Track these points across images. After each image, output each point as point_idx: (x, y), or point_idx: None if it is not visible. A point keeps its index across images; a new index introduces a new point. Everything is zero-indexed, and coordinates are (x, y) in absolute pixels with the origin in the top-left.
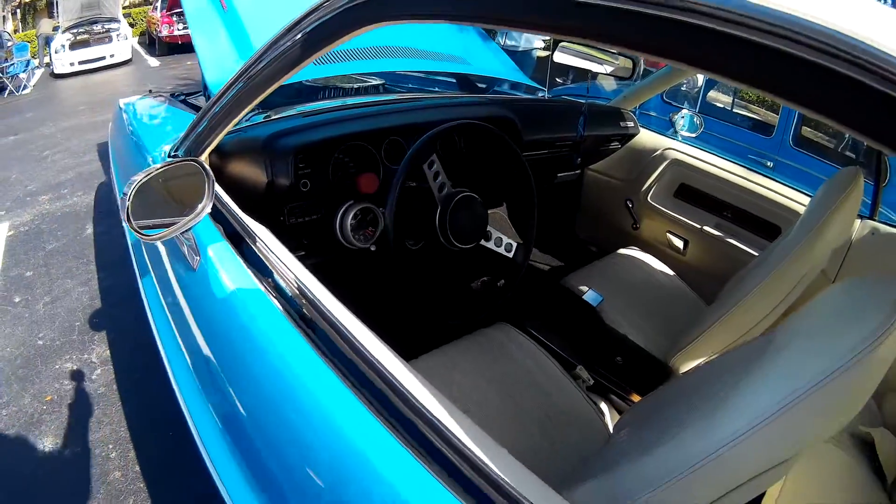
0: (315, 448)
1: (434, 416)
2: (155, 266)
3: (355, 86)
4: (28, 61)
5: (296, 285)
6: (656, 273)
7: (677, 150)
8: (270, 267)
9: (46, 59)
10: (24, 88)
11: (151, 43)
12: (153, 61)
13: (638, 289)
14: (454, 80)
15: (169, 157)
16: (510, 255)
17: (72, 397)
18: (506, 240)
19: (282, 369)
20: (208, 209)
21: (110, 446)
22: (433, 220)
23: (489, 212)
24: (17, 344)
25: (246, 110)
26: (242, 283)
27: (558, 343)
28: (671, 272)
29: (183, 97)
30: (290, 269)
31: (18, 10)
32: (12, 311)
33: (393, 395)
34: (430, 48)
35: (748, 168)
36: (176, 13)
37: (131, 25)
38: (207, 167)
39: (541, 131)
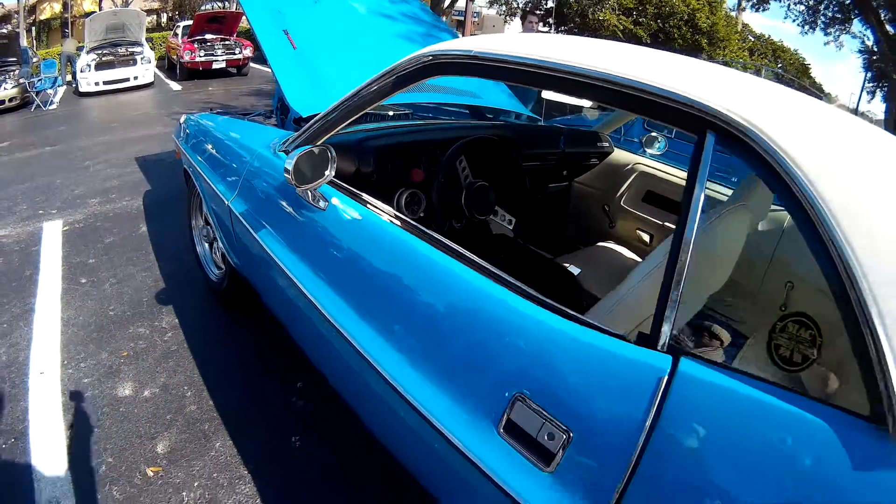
0: (428, 295)
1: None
2: (269, 211)
3: (391, 112)
4: (56, 78)
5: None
6: (626, 258)
7: (644, 164)
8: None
9: (68, 77)
10: (50, 104)
11: (171, 68)
12: (175, 85)
13: (610, 267)
14: (468, 111)
15: (280, 150)
16: (510, 227)
17: (146, 353)
18: (507, 216)
19: (396, 252)
20: (333, 174)
21: (185, 388)
22: (460, 199)
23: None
24: (89, 314)
25: (350, 121)
26: (357, 212)
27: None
28: (638, 258)
29: (245, 114)
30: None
31: (33, 28)
32: (80, 290)
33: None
34: (452, 86)
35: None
36: (197, 40)
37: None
38: (330, 150)
39: (533, 147)
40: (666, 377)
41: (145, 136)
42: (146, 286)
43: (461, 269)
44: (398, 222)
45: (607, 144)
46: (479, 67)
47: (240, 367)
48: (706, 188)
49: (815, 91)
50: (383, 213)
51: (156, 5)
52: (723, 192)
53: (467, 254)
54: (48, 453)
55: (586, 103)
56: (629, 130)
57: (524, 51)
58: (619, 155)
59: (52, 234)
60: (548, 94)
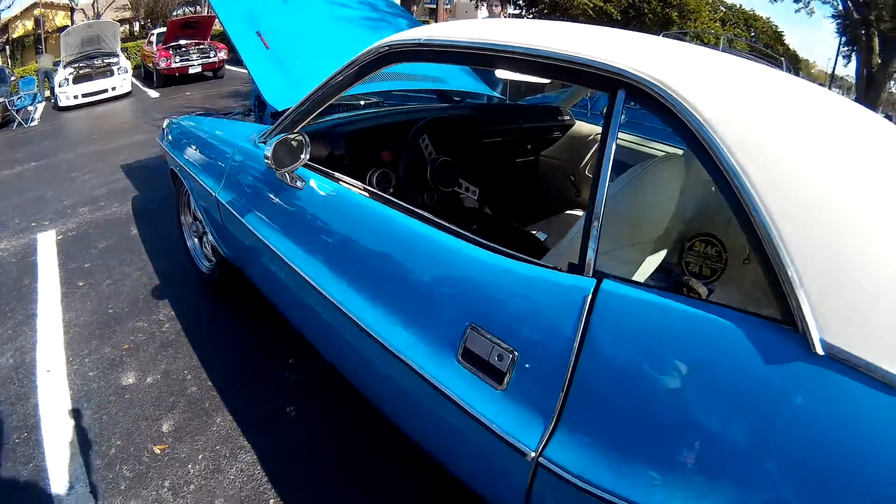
0: (395, 252)
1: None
2: (253, 196)
3: (362, 102)
4: (35, 95)
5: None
6: None
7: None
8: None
9: (47, 93)
10: (31, 121)
11: (147, 76)
12: (153, 93)
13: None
14: (435, 96)
15: (260, 142)
16: (475, 197)
17: (146, 344)
18: (471, 187)
19: (366, 218)
20: (308, 157)
21: (185, 372)
22: (426, 174)
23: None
24: (89, 313)
25: (319, 111)
26: (331, 189)
27: None
28: None
29: (225, 114)
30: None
31: (7, 47)
32: (79, 292)
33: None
34: (419, 72)
35: (656, 140)
36: (172, 47)
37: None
38: (304, 135)
39: (495, 124)
40: (590, 295)
41: (128, 144)
42: (141, 284)
43: (422, 226)
44: (367, 194)
45: (568, 118)
46: (429, 53)
47: (234, 349)
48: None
49: (775, 57)
50: (354, 187)
51: (128, 14)
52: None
53: (427, 214)
54: (60, 442)
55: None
56: (595, 105)
57: (465, 35)
58: (582, 127)
59: (47, 243)
60: (502, 74)
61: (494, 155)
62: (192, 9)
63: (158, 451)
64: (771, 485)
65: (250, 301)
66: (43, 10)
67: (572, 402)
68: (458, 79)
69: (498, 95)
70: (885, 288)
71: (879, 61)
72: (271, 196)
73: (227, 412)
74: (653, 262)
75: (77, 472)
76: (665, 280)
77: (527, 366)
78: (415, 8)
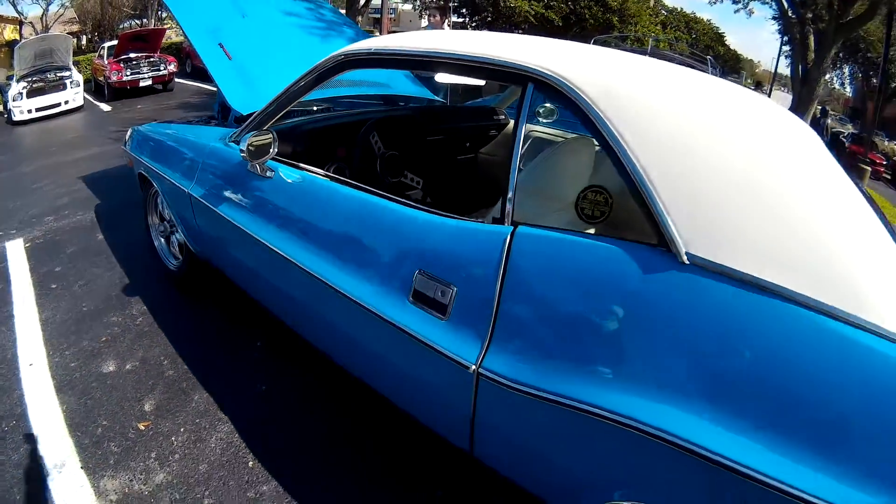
0: (351, 219)
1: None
2: (225, 188)
3: (315, 108)
4: None
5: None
6: None
7: (538, 131)
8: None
9: (0, 108)
10: None
11: (98, 90)
12: (104, 106)
13: None
14: (381, 101)
15: (230, 142)
16: (419, 187)
17: (123, 336)
18: (415, 178)
19: (327, 197)
20: (276, 150)
21: (162, 358)
22: (375, 166)
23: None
24: (65, 312)
25: (283, 112)
26: (295, 175)
27: None
28: None
29: (194, 121)
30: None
31: None
32: (53, 294)
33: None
34: (368, 79)
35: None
36: (122, 60)
37: None
38: (273, 132)
39: (436, 124)
40: (508, 238)
41: (85, 156)
42: (112, 283)
43: (375, 199)
44: (326, 177)
45: (503, 117)
46: (379, 61)
47: (205, 336)
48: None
49: (703, 58)
50: (315, 173)
51: (76, 28)
52: None
53: (374, 189)
54: (48, 427)
55: (472, 82)
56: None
57: (408, 45)
58: (558, 135)
59: (16, 251)
60: (441, 77)
61: (436, 152)
62: (138, 21)
63: (143, 428)
64: (653, 366)
65: (216, 294)
66: None
67: (500, 322)
68: (403, 85)
69: (439, 99)
70: (729, 212)
71: (814, 57)
72: (243, 186)
73: (203, 391)
74: (559, 213)
75: (67, 452)
76: (566, 224)
77: (464, 297)
78: (360, 18)
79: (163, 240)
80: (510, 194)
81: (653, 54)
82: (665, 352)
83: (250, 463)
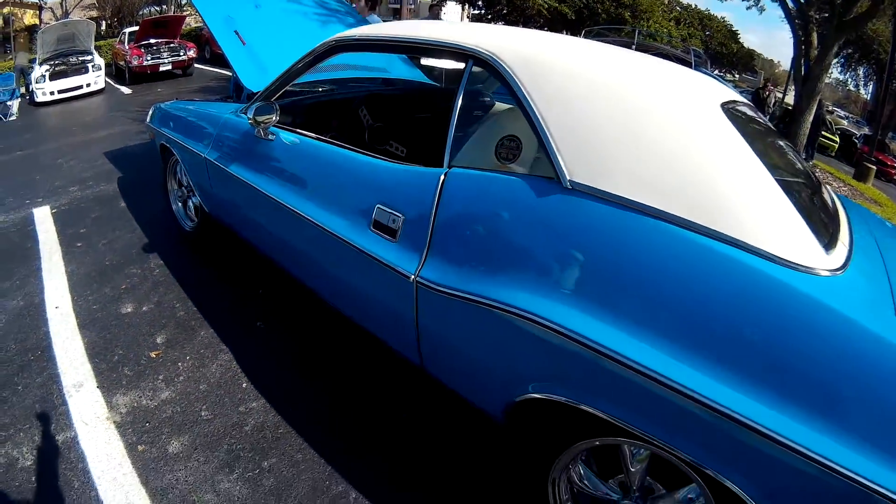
0: (334, 170)
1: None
2: (235, 152)
3: (319, 88)
4: (15, 90)
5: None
6: None
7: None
8: (299, 132)
9: (22, 90)
10: (10, 116)
11: (118, 73)
12: (125, 89)
13: None
14: (380, 83)
15: (242, 112)
16: (403, 155)
17: (141, 285)
18: (400, 146)
19: (317, 154)
20: (277, 116)
21: (174, 302)
22: (364, 135)
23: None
24: (89, 265)
25: (285, 88)
26: (293, 138)
27: None
28: None
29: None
30: (306, 133)
31: None
32: (78, 251)
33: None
34: (370, 64)
35: None
36: (143, 45)
37: None
38: (275, 104)
39: (423, 102)
40: (443, 176)
41: (107, 135)
42: (133, 242)
43: (352, 153)
44: (316, 139)
45: (488, 99)
46: (360, 45)
47: (214, 285)
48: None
49: (687, 51)
50: (308, 135)
51: (95, 13)
52: None
53: (351, 146)
54: (70, 356)
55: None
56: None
57: (382, 33)
58: (500, 107)
59: (43, 216)
60: (427, 61)
61: (422, 126)
62: (158, 8)
63: (154, 356)
64: (547, 271)
65: (225, 252)
66: (12, 8)
67: (434, 240)
68: (399, 69)
69: (431, 82)
70: (608, 150)
71: (816, 55)
72: (250, 149)
73: (209, 328)
74: (489, 159)
75: (85, 375)
76: (487, 165)
77: (409, 223)
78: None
79: (180, 204)
80: (448, 146)
81: (639, 46)
82: (556, 259)
83: (244, 384)
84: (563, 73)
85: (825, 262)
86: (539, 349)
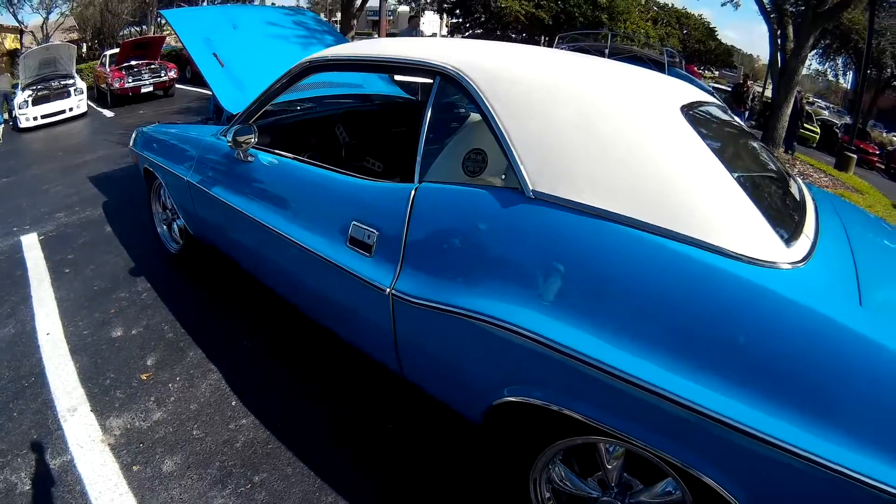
0: (308, 187)
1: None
2: (216, 174)
3: (298, 107)
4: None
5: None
6: None
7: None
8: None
9: (5, 116)
10: None
11: (101, 96)
12: (107, 112)
13: None
14: (358, 99)
15: (221, 136)
16: (379, 170)
17: (129, 308)
18: (376, 162)
19: (295, 174)
20: (256, 139)
21: (163, 324)
22: (340, 152)
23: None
24: (78, 292)
25: (264, 110)
26: (271, 159)
27: None
28: None
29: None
30: (284, 153)
31: None
32: (66, 277)
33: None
34: (346, 81)
35: None
36: (124, 67)
37: None
38: (254, 126)
39: (398, 117)
40: (413, 191)
41: (91, 159)
42: (120, 267)
43: (329, 173)
44: (294, 159)
45: (463, 111)
46: (334, 65)
47: (201, 305)
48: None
49: (668, 55)
50: (285, 155)
51: (75, 36)
52: None
53: (328, 165)
54: (63, 381)
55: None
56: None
57: (354, 52)
58: (475, 117)
59: (31, 243)
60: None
61: (398, 141)
62: (138, 29)
63: (145, 378)
64: (514, 277)
65: (210, 273)
66: None
67: (407, 253)
68: (376, 84)
69: (408, 96)
70: (568, 160)
71: (792, 47)
72: (231, 171)
73: (198, 348)
74: (455, 173)
75: (79, 399)
76: (455, 179)
77: (383, 238)
78: (354, 22)
79: (165, 227)
80: (418, 162)
81: (612, 50)
82: (523, 267)
83: (233, 402)
84: (524, 85)
85: (786, 255)
86: (511, 354)
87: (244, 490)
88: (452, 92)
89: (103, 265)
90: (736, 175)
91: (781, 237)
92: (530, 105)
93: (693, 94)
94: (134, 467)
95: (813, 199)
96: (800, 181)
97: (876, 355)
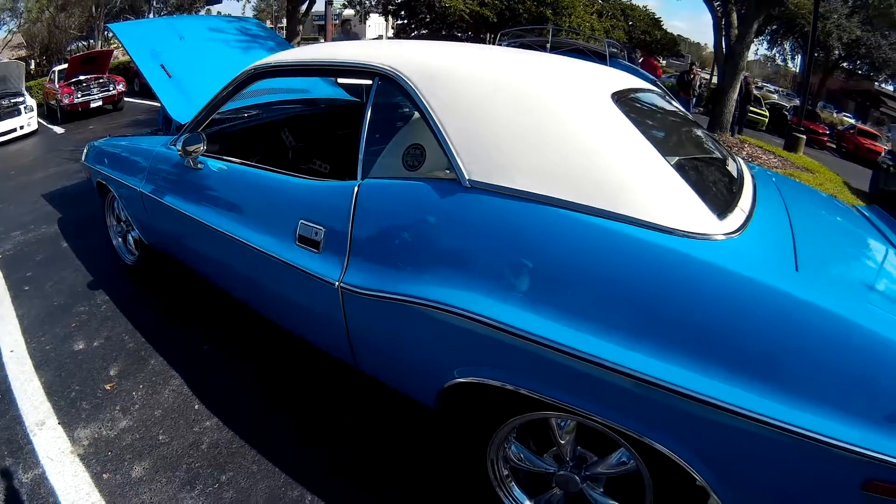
0: (254, 189)
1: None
2: (168, 183)
3: (246, 114)
4: None
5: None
6: None
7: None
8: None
9: None
10: None
11: (50, 113)
12: (58, 129)
13: None
14: (304, 104)
15: (171, 144)
16: (326, 171)
17: (90, 321)
18: (323, 164)
19: (243, 178)
20: (204, 146)
21: (123, 335)
22: (287, 156)
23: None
24: (39, 308)
25: (211, 118)
26: (221, 166)
27: None
28: None
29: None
30: (232, 159)
31: None
32: (26, 294)
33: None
34: (293, 86)
35: None
36: (73, 83)
37: None
38: (202, 134)
39: (344, 120)
40: (357, 188)
41: (44, 177)
42: (79, 281)
43: (276, 175)
44: (242, 164)
45: (407, 110)
46: (278, 72)
47: (160, 314)
48: None
49: (609, 45)
50: (233, 161)
51: (23, 53)
52: None
53: (274, 168)
54: (29, 395)
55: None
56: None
57: (297, 58)
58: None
59: None
60: (342, 82)
61: (344, 143)
62: (85, 43)
63: (109, 388)
64: (454, 263)
65: (167, 282)
66: None
67: (353, 247)
68: (321, 89)
69: (353, 98)
70: (500, 149)
71: (737, 33)
72: (182, 179)
73: (158, 355)
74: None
75: (46, 413)
76: (396, 174)
77: (330, 235)
78: (300, 28)
79: (120, 239)
80: (360, 159)
81: (553, 44)
82: (462, 253)
83: (196, 406)
84: (458, 81)
85: (718, 227)
86: (457, 336)
87: (212, 490)
88: (391, 91)
89: (62, 281)
90: (668, 155)
91: (713, 211)
92: (465, 100)
93: (627, 81)
94: (104, 475)
95: (752, 177)
96: (740, 161)
97: (812, 315)
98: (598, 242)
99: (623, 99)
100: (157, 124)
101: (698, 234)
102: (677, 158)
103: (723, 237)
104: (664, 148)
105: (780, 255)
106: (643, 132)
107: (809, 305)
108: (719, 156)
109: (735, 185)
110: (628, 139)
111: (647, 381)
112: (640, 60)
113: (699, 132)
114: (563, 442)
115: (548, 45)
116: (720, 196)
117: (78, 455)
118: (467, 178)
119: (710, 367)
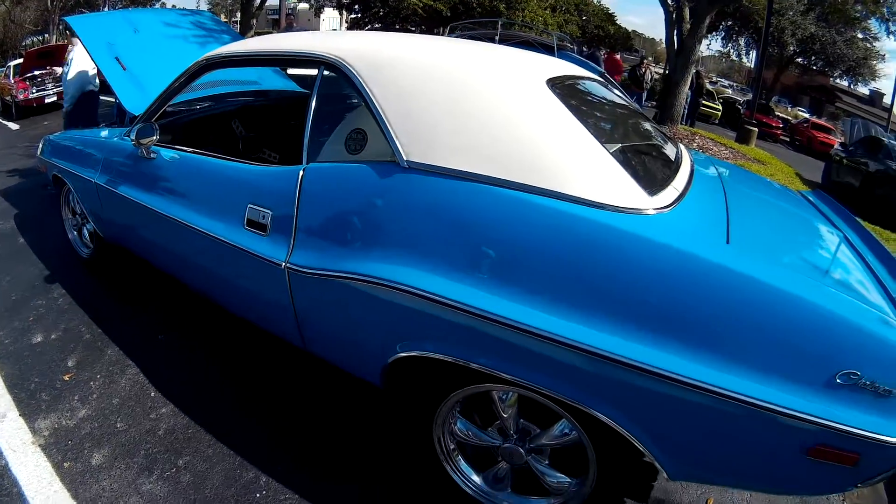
0: (205, 176)
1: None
2: (122, 174)
3: (198, 106)
4: None
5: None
6: None
7: None
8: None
9: None
10: None
11: (5, 109)
12: (12, 125)
13: None
14: (255, 95)
15: (126, 135)
16: (276, 161)
17: (47, 315)
18: (273, 154)
19: (194, 166)
20: (157, 136)
21: (81, 327)
22: (238, 146)
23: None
24: None
25: (164, 109)
26: (173, 154)
27: None
28: None
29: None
30: (184, 147)
31: None
32: None
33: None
34: (240, 78)
35: None
36: (28, 78)
37: None
38: (155, 124)
39: (294, 110)
40: (301, 172)
41: None
42: (35, 275)
43: (224, 161)
44: (192, 152)
45: (352, 97)
46: (229, 62)
47: (115, 305)
48: None
49: (557, 38)
50: (184, 150)
51: None
52: None
53: (223, 155)
54: None
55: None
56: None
57: (246, 49)
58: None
59: None
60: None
61: (295, 133)
62: (40, 38)
63: (67, 379)
64: (395, 241)
65: (123, 273)
66: None
67: (298, 229)
68: (272, 80)
69: (302, 90)
70: (436, 131)
71: (689, 28)
72: (135, 169)
73: (115, 346)
74: (340, 154)
75: (7, 405)
76: (339, 158)
77: (276, 218)
78: (254, 21)
79: (75, 232)
80: (305, 145)
81: (502, 37)
82: (402, 230)
83: (152, 394)
84: (398, 67)
85: (649, 202)
86: (398, 311)
87: (170, 474)
88: (336, 79)
89: (19, 275)
90: (601, 136)
91: (645, 188)
92: (404, 85)
93: (566, 69)
94: (65, 464)
95: (691, 160)
96: (682, 147)
97: (743, 284)
98: (529, 217)
99: (559, 84)
100: (112, 118)
101: (627, 208)
102: (611, 139)
103: (653, 212)
104: (598, 130)
105: (711, 229)
106: (575, 114)
107: (740, 275)
108: (657, 140)
109: (671, 167)
110: (559, 119)
111: (581, 349)
112: (604, 57)
113: (638, 119)
114: (505, 415)
115: (497, 38)
116: (652, 175)
117: (39, 445)
118: (406, 159)
119: (639, 334)
